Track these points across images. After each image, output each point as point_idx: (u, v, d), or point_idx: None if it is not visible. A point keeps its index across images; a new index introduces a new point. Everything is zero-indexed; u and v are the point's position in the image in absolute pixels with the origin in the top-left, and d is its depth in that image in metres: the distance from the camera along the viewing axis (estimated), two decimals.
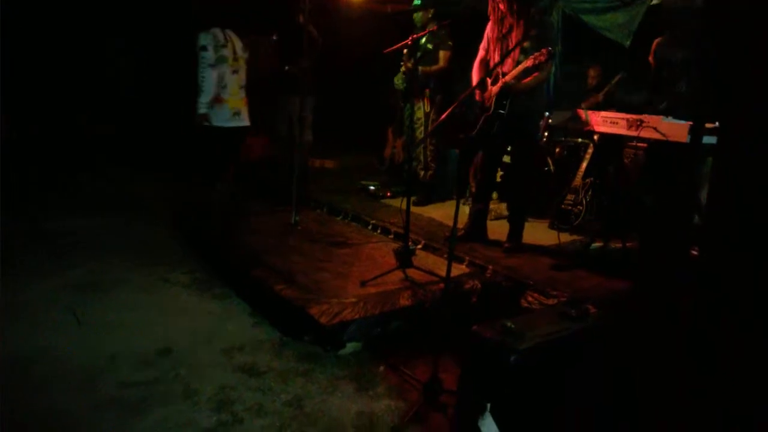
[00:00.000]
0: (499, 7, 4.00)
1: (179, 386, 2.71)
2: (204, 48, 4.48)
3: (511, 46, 3.92)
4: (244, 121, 4.82)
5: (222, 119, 4.65)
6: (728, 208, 1.94)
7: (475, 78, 4.26)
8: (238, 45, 4.70)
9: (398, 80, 5.82)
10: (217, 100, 4.59)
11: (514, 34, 3.93)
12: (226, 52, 4.58)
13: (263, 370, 2.89)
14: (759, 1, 1.84)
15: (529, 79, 3.92)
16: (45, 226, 4.91)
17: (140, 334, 3.21)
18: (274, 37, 5.74)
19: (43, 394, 2.61)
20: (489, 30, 4.21)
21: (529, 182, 4.50)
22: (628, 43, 5.21)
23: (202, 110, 4.54)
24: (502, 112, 4.00)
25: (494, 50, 4.12)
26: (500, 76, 3.99)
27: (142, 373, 2.81)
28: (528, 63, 3.75)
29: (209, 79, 4.50)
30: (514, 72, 3.89)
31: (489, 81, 4.11)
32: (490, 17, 4.13)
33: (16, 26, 7.09)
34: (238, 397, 2.64)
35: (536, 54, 3.68)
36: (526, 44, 3.89)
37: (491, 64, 4.16)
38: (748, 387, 1.91)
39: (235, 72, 4.66)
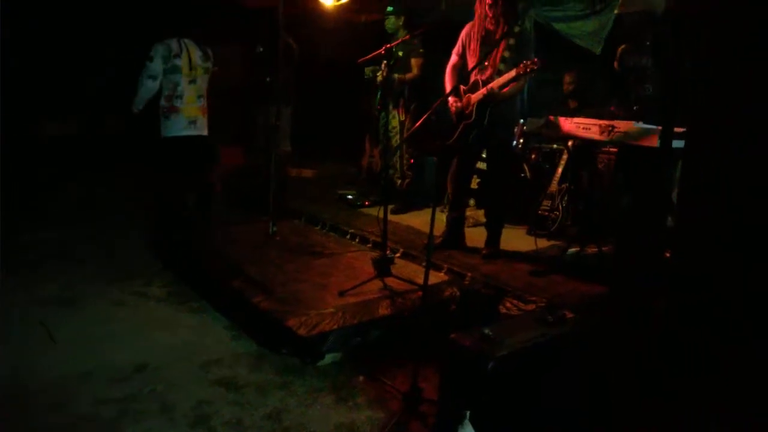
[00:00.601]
0: (486, 12, 4.00)
1: (156, 402, 2.67)
2: (150, 58, 4.53)
3: (493, 54, 3.93)
4: (202, 129, 4.81)
5: (177, 129, 4.67)
6: (697, 211, 1.98)
7: (448, 85, 4.27)
8: (197, 54, 4.68)
9: (368, 70, 5.74)
10: (172, 109, 4.63)
11: (500, 44, 3.91)
12: (180, 61, 4.58)
13: (241, 383, 2.86)
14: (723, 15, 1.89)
15: (509, 87, 3.93)
16: (17, 238, 4.81)
17: (115, 349, 3.16)
18: (261, 48, 5.71)
19: (15, 413, 2.55)
20: (465, 35, 4.21)
21: (506, 189, 4.52)
22: (599, 50, 5.29)
23: (135, 109, 4.64)
24: (483, 120, 4.01)
25: (472, 56, 4.12)
26: (480, 84, 4.01)
27: (117, 389, 2.76)
28: (519, 71, 3.73)
29: (145, 88, 4.55)
30: (501, 80, 3.87)
31: (463, 88, 4.13)
32: (475, 20, 4.12)
33: None
34: (216, 412, 2.61)
35: (528, 63, 3.66)
36: (506, 54, 3.92)
37: (467, 69, 4.16)
38: (721, 387, 1.94)
39: (192, 82, 4.66)
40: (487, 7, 3.98)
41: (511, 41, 3.90)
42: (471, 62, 4.13)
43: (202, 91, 4.77)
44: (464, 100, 4.10)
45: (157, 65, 4.52)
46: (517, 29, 3.92)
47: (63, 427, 2.47)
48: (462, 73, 4.22)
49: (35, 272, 4.18)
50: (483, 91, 3.96)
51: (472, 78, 4.07)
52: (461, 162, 4.36)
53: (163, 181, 4.96)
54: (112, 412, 2.58)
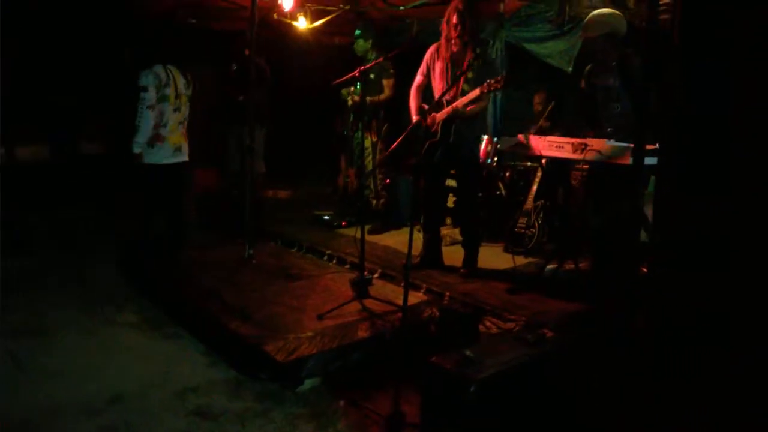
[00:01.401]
0: (451, 34, 4.07)
1: None
2: (144, 89, 4.44)
3: (458, 74, 3.99)
4: (185, 155, 4.82)
5: (163, 156, 4.64)
6: (670, 226, 2.01)
7: (413, 104, 4.33)
8: (181, 82, 4.66)
9: (345, 91, 5.77)
10: (157, 138, 4.57)
11: (464, 64, 3.98)
12: (168, 91, 4.54)
13: (218, 412, 2.79)
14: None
15: (473, 106, 4.01)
16: None
17: (87, 380, 3.06)
18: (234, 67, 5.69)
19: None
20: (429, 56, 4.29)
21: (476, 207, 4.58)
22: (570, 69, 5.40)
23: (137, 150, 4.50)
24: (449, 138, 4.07)
25: (439, 77, 4.19)
26: (444, 103, 4.06)
27: (90, 422, 2.67)
28: (483, 89, 3.81)
29: (147, 120, 4.46)
30: (466, 99, 3.95)
31: (426, 107, 4.19)
32: (441, 41, 4.18)
33: None
34: None
35: (491, 81, 3.74)
36: (470, 74, 3.98)
37: (435, 90, 4.24)
38: (705, 406, 1.96)
39: (176, 110, 4.64)
40: (452, 29, 4.05)
41: (476, 62, 3.97)
42: (436, 82, 4.22)
43: (184, 117, 4.76)
44: (429, 119, 4.15)
45: (152, 95, 4.45)
46: (479, 50, 4.00)
47: None
48: (426, 93, 4.30)
49: (4, 300, 4.05)
50: (448, 109, 4.04)
51: (437, 97, 4.13)
52: (428, 181, 4.40)
53: (142, 206, 4.89)
54: None
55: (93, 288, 4.44)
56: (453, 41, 4.08)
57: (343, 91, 5.74)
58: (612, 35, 3.73)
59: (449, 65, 4.12)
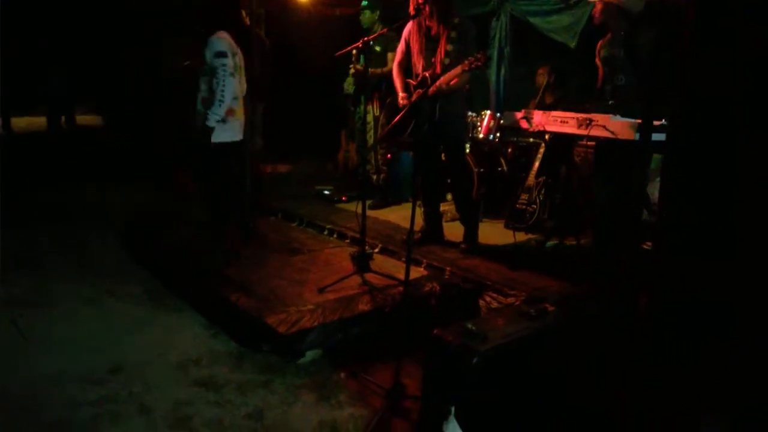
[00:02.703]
0: (420, 9, 3.97)
1: (133, 404, 2.61)
2: (224, 54, 3.97)
3: (437, 49, 3.94)
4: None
5: (235, 133, 4.21)
6: (679, 205, 1.99)
7: (397, 81, 4.27)
8: (239, 53, 4.23)
9: (348, 84, 5.79)
10: (231, 112, 4.09)
11: (441, 38, 3.92)
12: (238, 59, 4.13)
13: (221, 383, 2.81)
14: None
15: (454, 81, 3.91)
16: None
17: (90, 350, 3.08)
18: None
19: None
20: (406, 33, 4.23)
21: (467, 183, 4.56)
22: (574, 44, 5.34)
23: (212, 123, 4.00)
24: (434, 115, 4.00)
25: (418, 53, 4.13)
26: (428, 80, 3.99)
27: (92, 391, 2.69)
28: (464, 66, 3.72)
29: (231, 88, 3.99)
30: (447, 76, 3.86)
31: (411, 83, 4.14)
32: (411, 19, 4.12)
33: None
34: (196, 413, 2.56)
35: (472, 59, 3.66)
36: (448, 47, 3.92)
37: (414, 67, 4.19)
38: (705, 379, 1.97)
39: (240, 82, 4.23)
40: (420, 4, 3.96)
41: (453, 34, 3.92)
42: (416, 59, 4.16)
43: (245, 89, 4.36)
44: (414, 96, 4.08)
45: (230, 61, 3.98)
46: (456, 20, 3.95)
47: (36, 431, 2.39)
48: (407, 70, 4.24)
49: (7, 272, 4.05)
50: (433, 87, 3.92)
51: (421, 74, 4.07)
52: (419, 157, 4.37)
53: (212, 189, 4.45)
54: (88, 414, 2.51)
55: (96, 261, 4.44)
56: (425, 16, 4.00)
57: (346, 84, 5.72)
58: (624, 10, 3.69)
59: (427, 41, 4.06)
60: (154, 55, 7.23)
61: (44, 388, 2.69)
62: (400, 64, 4.29)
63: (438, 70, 3.96)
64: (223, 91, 3.96)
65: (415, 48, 4.16)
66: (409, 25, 4.21)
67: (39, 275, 4.06)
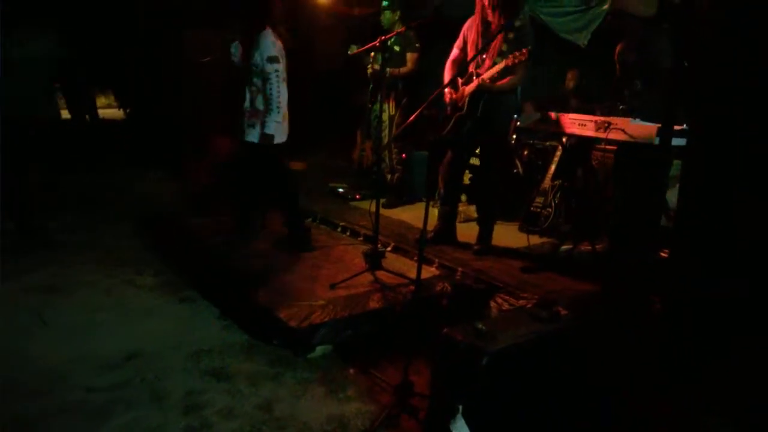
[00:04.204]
0: (485, 4, 3.97)
1: (146, 390, 2.65)
2: (276, 59, 3.88)
3: (492, 47, 3.92)
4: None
5: (286, 134, 4.17)
6: (698, 211, 1.98)
7: (447, 77, 4.23)
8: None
9: (353, 48, 5.63)
10: (286, 115, 4.11)
11: (498, 37, 3.89)
12: (284, 61, 3.98)
13: (232, 373, 2.84)
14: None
15: (504, 81, 3.92)
16: (3, 226, 4.74)
17: (106, 337, 3.13)
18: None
19: (5, 398, 2.52)
20: (466, 28, 4.18)
21: (498, 185, 4.51)
22: (585, 43, 5.30)
23: (271, 130, 3.97)
24: (476, 112, 4.01)
25: (472, 49, 4.08)
26: (474, 77, 4.00)
27: (107, 377, 2.74)
28: (507, 62, 3.72)
29: (284, 94, 3.95)
30: (492, 71, 3.87)
31: (460, 81, 4.12)
32: (476, 13, 4.09)
33: None
34: (207, 401, 2.59)
35: (516, 53, 3.67)
36: (504, 47, 3.90)
37: (469, 64, 4.12)
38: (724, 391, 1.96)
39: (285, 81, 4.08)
40: (486, 1, 3.96)
41: (510, 35, 3.89)
42: (471, 55, 4.09)
43: None
44: (459, 92, 4.09)
45: (282, 66, 3.91)
46: (517, 23, 3.91)
47: (52, 414, 2.44)
48: (462, 68, 4.18)
49: (23, 260, 4.13)
50: (475, 82, 3.96)
51: (470, 70, 4.07)
52: (454, 155, 4.36)
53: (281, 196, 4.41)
54: (102, 399, 2.56)
55: (113, 250, 4.51)
56: (486, 12, 3.97)
57: (352, 47, 5.52)
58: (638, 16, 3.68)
59: (483, 37, 4.01)
60: (173, 49, 7.27)
61: (60, 373, 2.74)
62: (455, 60, 4.24)
63: (488, 67, 3.94)
64: (278, 97, 3.92)
65: (471, 44, 4.11)
66: (469, 21, 4.16)
67: (58, 262, 4.13)
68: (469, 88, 4.02)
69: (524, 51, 3.65)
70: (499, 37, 3.87)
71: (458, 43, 4.24)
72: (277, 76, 3.89)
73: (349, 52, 5.49)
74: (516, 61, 3.68)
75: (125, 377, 2.75)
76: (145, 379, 2.74)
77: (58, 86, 7.85)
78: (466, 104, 4.06)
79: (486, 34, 4.00)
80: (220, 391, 2.68)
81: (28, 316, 3.30)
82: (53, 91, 4.82)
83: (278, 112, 3.94)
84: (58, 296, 3.60)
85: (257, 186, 4.31)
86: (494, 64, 3.91)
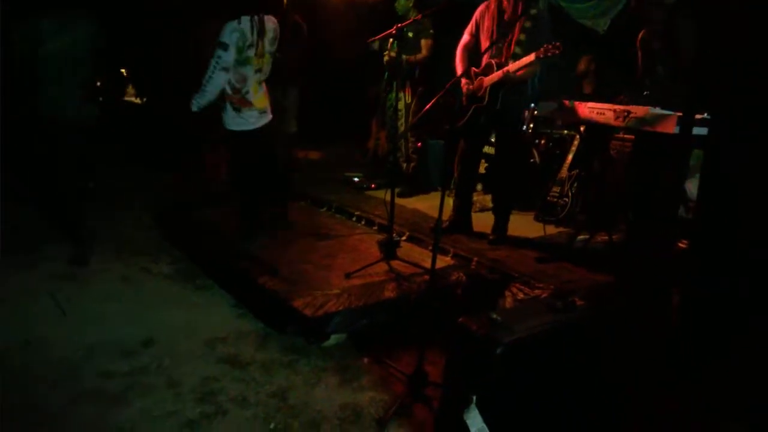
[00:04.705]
0: None
1: (162, 377, 2.68)
2: (224, 46, 3.80)
3: (509, 37, 3.85)
4: (269, 114, 4.22)
5: (249, 123, 4.08)
6: (721, 203, 1.94)
7: (459, 65, 4.16)
8: (269, 38, 4.02)
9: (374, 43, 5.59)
10: (243, 103, 4.02)
11: (515, 26, 3.83)
12: (252, 52, 3.92)
13: (247, 361, 2.86)
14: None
15: (523, 71, 3.85)
16: (19, 213, 4.80)
17: (122, 324, 3.17)
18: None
19: (24, 385, 2.57)
20: (479, 14, 4.11)
21: (516, 174, 4.46)
22: (605, 29, 5.21)
23: (194, 109, 3.96)
24: (496, 103, 3.96)
25: (485, 37, 4.02)
26: (494, 67, 3.94)
27: (124, 363, 2.77)
28: (539, 54, 3.62)
29: (216, 83, 3.87)
30: (519, 63, 3.78)
31: (474, 71, 4.07)
32: (490, 1, 4.03)
33: None
34: (222, 389, 2.61)
35: (549, 46, 3.57)
36: (521, 37, 3.84)
37: (481, 48, 4.05)
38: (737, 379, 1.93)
39: (258, 71, 4.03)
40: None
41: (528, 24, 3.83)
42: (484, 43, 4.03)
43: (265, 76, 4.16)
44: (476, 82, 4.03)
45: (230, 55, 3.83)
46: (534, 12, 3.84)
47: (70, 399, 2.48)
48: (473, 54, 4.12)
49: (42, 247, 4.18)
50: (499, 74, 3.87)
51: (485, 60, 4.00)
52: (469, 145, 4.32)
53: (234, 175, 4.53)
54: (119, 385, 2.59)
55: (130, 239, 4.55)
56: (503, 2, 3.92)
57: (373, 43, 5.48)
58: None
59: (499, 26, 3.93)
60: (192, 40, 7.28)
61: (79, 359, 2.79)
62: (466, 46, 4.16)
63: (507, 58, 3.88)
64: (207, 82, 3.86)
65: (485, 32, 4.03)
66: (482, 7, 4.09)
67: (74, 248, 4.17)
68: (490, 80, 3.95)
69: (557, 44, 3.55)
70: (517, 26, 3.81)
71: (470, 28, 4.16)
72: (216, 62, 3.82)
73: (369, 46, 5.43)
74: (548, 53, 3.58)
75: (142, 364, 2.78)
76: (161, 365, 2.77)
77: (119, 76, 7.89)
78: (486, 95, 4.00)
79: (503, 23, 3.94)
80: (234, 379, 2.70)
81: (47, 304, 3.34)
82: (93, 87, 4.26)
83: (200, 95, 3.89)
84: (76, 284, 3.64)
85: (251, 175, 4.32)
86: (514, 54, 3.84)
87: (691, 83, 3.04)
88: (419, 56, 5.43)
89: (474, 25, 4.14)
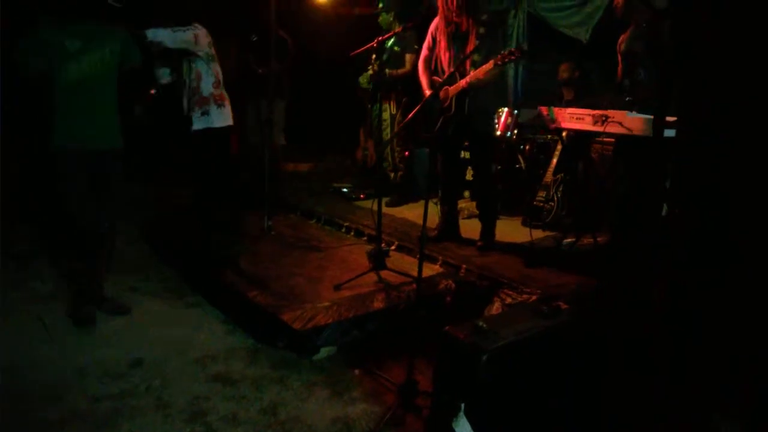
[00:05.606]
0: (449, 5, 3.98)
1: (151, 398, 2.67)
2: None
3: (465, 45, 3.93)
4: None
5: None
6: (687, 199, 1.97)
7: (423, 78, 4.26)
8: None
9: (363, 79, 5.82)
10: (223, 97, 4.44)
11: (470, 35, 3.91)
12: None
13: (237, 378, 2.86)
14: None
15: (485, 76, 3.89)
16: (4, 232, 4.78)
17: (111, 345, 3.15)
18: (255, 37, 5.60)
19: (9, 409, 2.55)
20: (434, 29, 4.20)
21: (491, 179, 4.53)
22: (587, 38, 5.28)
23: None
24: (463, 111, 4.01)
25: (445, 49, 4.10)
26: (457, 76, 3.99)
27: (112, 385, 2.76)
28: (497, 61, 3.70)
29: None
30: (479, 72, 3.86)
31: (438, 80, 4.13)
32: (439, 14, 4.11)
33: None
34: (212, 407, 2.61)
35: (505, 53, 3.65)
36: (478, 43, 3.91)
37: (440, 62, 4.15)
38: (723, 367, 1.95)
39: None
40: (448, 1, 3.97)
41: (481, 30, 3.91)
42: (443, 56, 4.13)
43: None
44: (442, 92, 4.08)
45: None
46: (484, 17, 3.94)
47: (58, 422, 2.46)
48: (433, 65, 4.22)
49: (28, 266, 4.16)
50: (462, 83, 3.95)
51: (447, 70, 4.06)
52: (444, 155, 4.37)
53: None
54: (108, 408, 2.58)
55: (118, 257, 4.50)
56: (452, 13, 3.98)
57: (361, 80, 5.77)
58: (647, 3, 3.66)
59: (455, 38, 4.03)
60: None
61: (67, 382, 2.76)
62: (426, 59, 4.25)
63: (467, 66, 3.94)
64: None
65: (442, 43, 4.12)
66: (436, 20, 4.18)
67: (63, 268, 4.16)
68: (455, 89, 4.02)
69: (513, 50, 3.63)
70: (471, 35, 3.89)
71: (427, 43, 4.26)
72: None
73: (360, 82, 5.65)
74: (506, 60, 3.67)
75: (131, 385, 2.76)
76: (150, 386, 2.76)
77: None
78: (452, 105, 4.06)
79: (457, 34, 4.02)
80: (224, 397, 2.69)
81: (35, 326, 3.32)
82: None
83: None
84: (65, 304, 3.62)
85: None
86: (474, 62, 3.91)
87: (663, 85, 3.09)
88: (401, 71, 5.47)
89: (430, 38, 4.24)
